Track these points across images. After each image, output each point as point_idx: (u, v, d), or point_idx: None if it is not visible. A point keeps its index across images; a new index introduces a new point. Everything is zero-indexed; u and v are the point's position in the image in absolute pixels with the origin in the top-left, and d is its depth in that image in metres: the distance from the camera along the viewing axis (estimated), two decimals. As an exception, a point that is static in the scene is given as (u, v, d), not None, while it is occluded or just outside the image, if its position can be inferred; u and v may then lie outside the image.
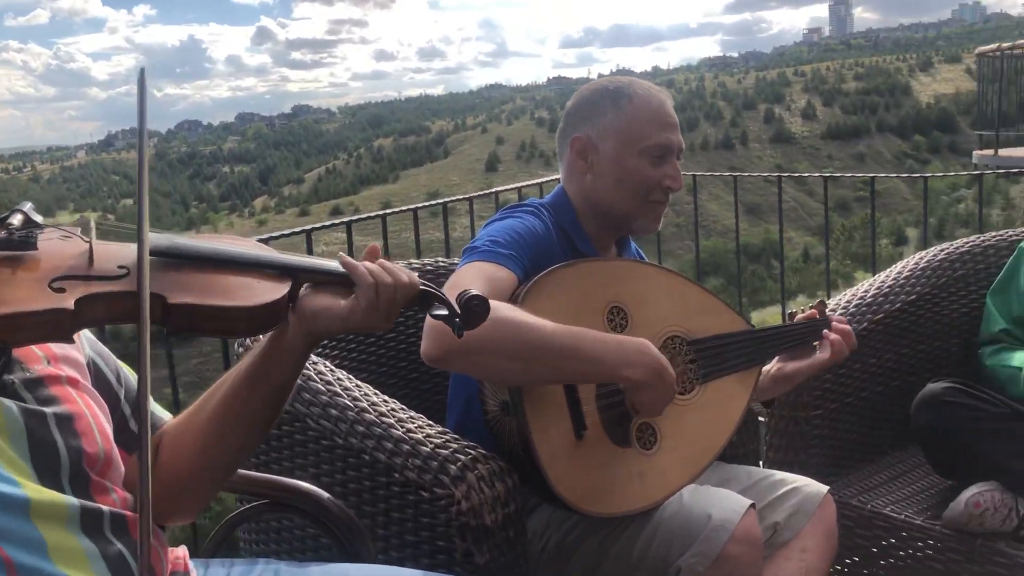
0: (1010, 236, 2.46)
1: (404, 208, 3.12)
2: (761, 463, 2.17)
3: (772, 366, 1.81)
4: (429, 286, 1.10)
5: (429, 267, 2.00)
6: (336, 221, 3.40)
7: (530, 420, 1.39)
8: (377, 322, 1.05)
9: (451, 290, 1.41)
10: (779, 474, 1.80)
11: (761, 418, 2.14)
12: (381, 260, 1.08)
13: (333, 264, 1.07)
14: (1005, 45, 9.94)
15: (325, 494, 1.35)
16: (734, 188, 4.50)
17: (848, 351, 1.75)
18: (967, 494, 1.81)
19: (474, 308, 1.10)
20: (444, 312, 1.09)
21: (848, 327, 1.76)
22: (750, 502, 1.50)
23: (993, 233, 2.49)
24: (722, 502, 1.49)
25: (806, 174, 5.40)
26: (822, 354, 1.73)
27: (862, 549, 2.02)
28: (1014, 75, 9.99)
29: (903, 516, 1.94)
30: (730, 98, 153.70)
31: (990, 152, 9.83)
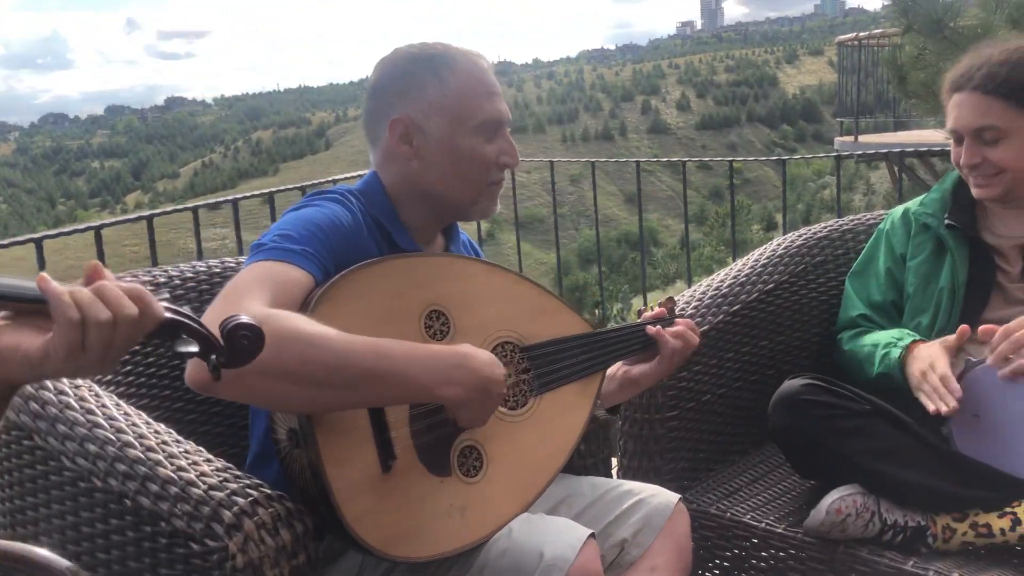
0: (868, 220, 2.38)
1: (222, 199, 2.82)
2: (615, 471, 2.01)
3: (618, 369, 1.63)
4: (181, 315, 0.86)
5: (216, 269, 1.72)
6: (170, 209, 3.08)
7: (323, 451, 1.16)
8: (87, 369, 0.80)
9: (224, 301, 1.17)
10: (628, 484, 1.63)
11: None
12: (101, 284, 0.82)
13: (28, 286, 0.81)
14: (862, 34, 10.26)
15: (63, 563, 1.08)
16: (627, 178, 4.36)
17: (682, 357, 1.61)
18: (828, 500, 1.68)
19: (240, 343, 0.88)
20: (195, 349, 0.85)
21: (683, 329, 1.61)
22: (588, 532, 1.32)
23: (851, 217, 2.40)
24: (557, 536, 1.30)
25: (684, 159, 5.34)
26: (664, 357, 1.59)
27: (721, 561, 1.88)
28: (871, 65, 10.32)
29: (764, 524, 1.80)
30: (609, 90, 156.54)
31: (850, 139, 10.14)
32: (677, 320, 1.65)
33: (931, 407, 1.74)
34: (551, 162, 4.21)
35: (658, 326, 1.60)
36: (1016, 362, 1.67)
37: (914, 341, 1.90)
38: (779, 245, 2.30)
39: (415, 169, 1.46)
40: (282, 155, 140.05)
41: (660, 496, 1.58)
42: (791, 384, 1.79)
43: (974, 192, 1.91)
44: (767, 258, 2.23)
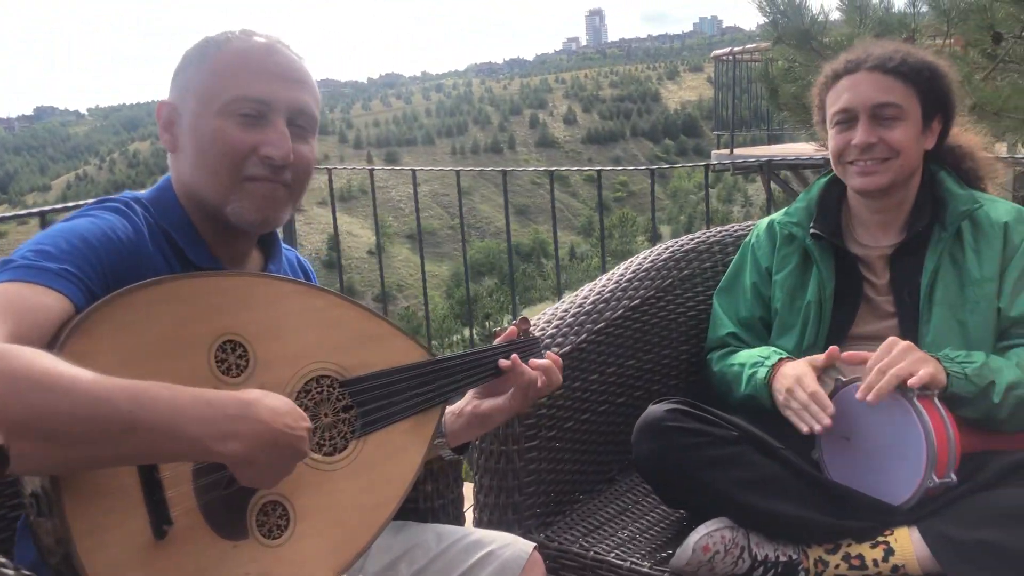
0: (736, 231, 2.28)
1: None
2: (469, 510, 1.82)
3: (466, 403, 1.45)
4: None
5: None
6: None
7: (72, 519, 0.93)
8: None
9: None
10: (478, 533, 1.44)
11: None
12: None
13: None
14: (737, 49, 10.47)
15: None
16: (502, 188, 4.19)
17: (540, 394, 1.44)
18: (694, 537, 1.54)
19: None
20: None
21: (549, 364, 1.44)
22: None
23: (719, 228, 2.30)
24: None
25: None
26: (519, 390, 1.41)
27: (585, 605, 1.72)
28: (747, 80, 10.55)
29: (629, 563, 1.64)
30: (497, 103, 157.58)
31: (726, 152, 10.31)
32: (547, 354, 1.47)
33: (803, 427, 1.63)
34: (457, 171, 4.03)
35: (514, 355, 1.42)
36: (880, 383, 1.56)
37: (781, 359, 1.80)
38: (645, 259, 2.17)
39: (177, 162, 1.25)
40: (160, 167, 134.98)
41: (513, 546, 1.40)
42: (655, 410, 1.65)
43: (858, 182, 1.79)
44: (632, 272, 2.10)
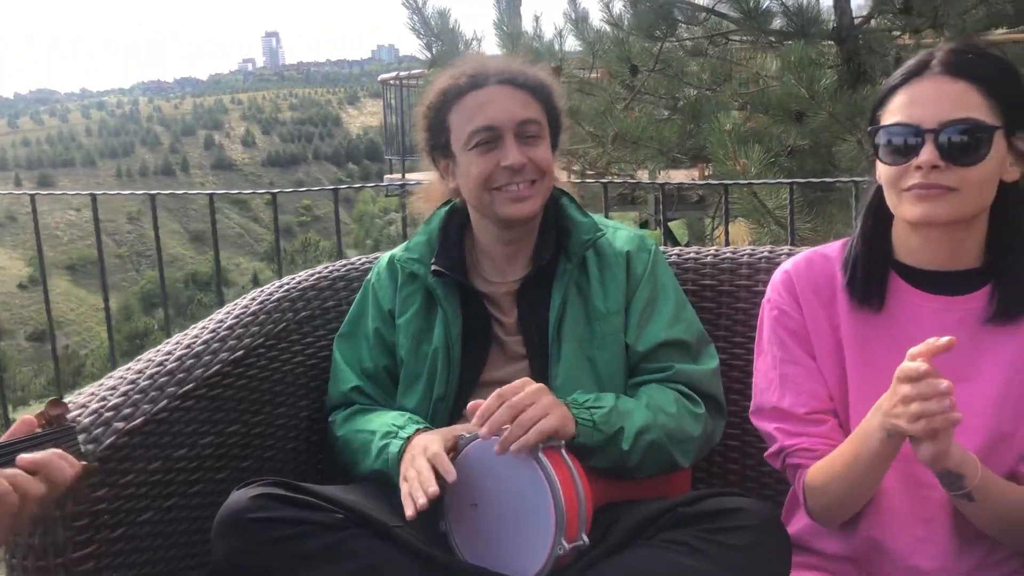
0: (363, 263, 2.01)
1: None
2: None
3: None
4: None
5: None
6: None
7: None
8: None
9: None
10: None
11: None
12: None
13: None
14: (403, 74, 10.45)
15: None
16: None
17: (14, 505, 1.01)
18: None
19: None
20: None
21: (15, 473, 1.02)
22: None
23: (344, 261, 2.02)
24: None
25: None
26: None
27: None
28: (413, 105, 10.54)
29: None
30: (167, 123, 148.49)
31: (398, 176, 10.23)
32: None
33: (408, 511, 1.37)
34: (152, 194, 3.42)
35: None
36: (510, 431, 1.36)
37: (419, 429, 1.55)
38: (253, 300, 1.83)
39: None
40: None
41: None
42: (237, 498, 1.33)
43: (511, 210, 1.59)
44: (236, 318, 1.75)
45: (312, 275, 1.94)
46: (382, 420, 1.62)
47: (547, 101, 1.66)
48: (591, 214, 1.72)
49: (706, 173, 6.34)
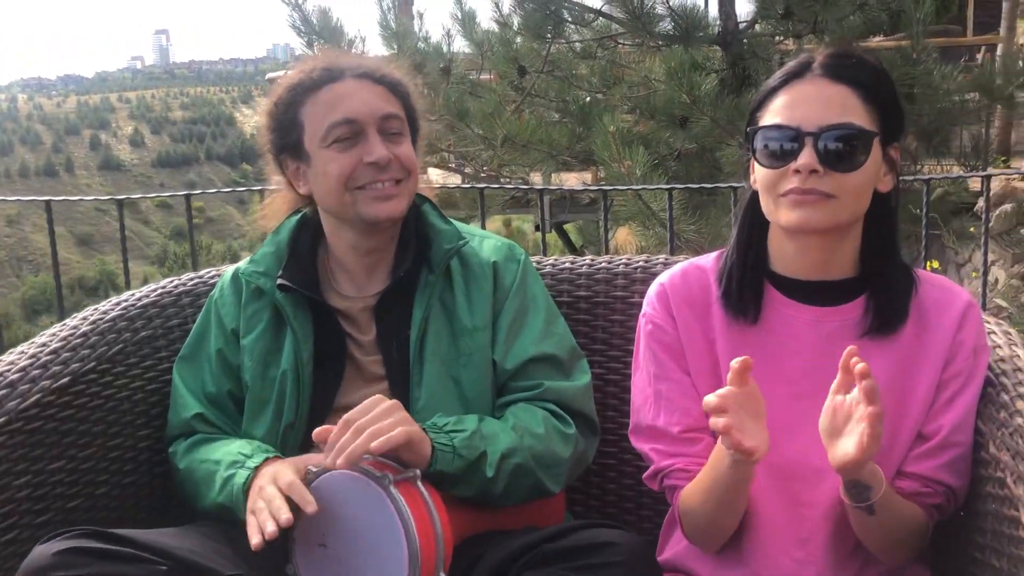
0: (211, 277, 1.84)
1: None
2: None
3: None
4: None
5: None
6: None
7: None
8: None
9: None
10: None
11: None
12: None
13: None
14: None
15: None
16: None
17: None
18: None
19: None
20: None
21: None
22: None
23: (192, 274, 1.85)
24: None
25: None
26: None
27: None
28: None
29: None
30: (49, 122, 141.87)
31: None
32: None
33: (253, 539, 1.24)
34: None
35: None
36: (356, 444, 1.24)
37: (268, 459, 1.41)
38: (84, 320, 1.65)
39: None
40: None
41: None
42: (40, 553, 1.17)
43: (374, 210, 1.46)
44: (62, 341, 1.57)
45: (155, 290, 1.77)
46: (228, 449, 1.47)
47: (406, 100, 1.54)
48: (454, 221, 1.61)
49: (599, 176, 6.33)
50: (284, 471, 1.33)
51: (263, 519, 1.25)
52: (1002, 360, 1.32)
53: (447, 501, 1.35)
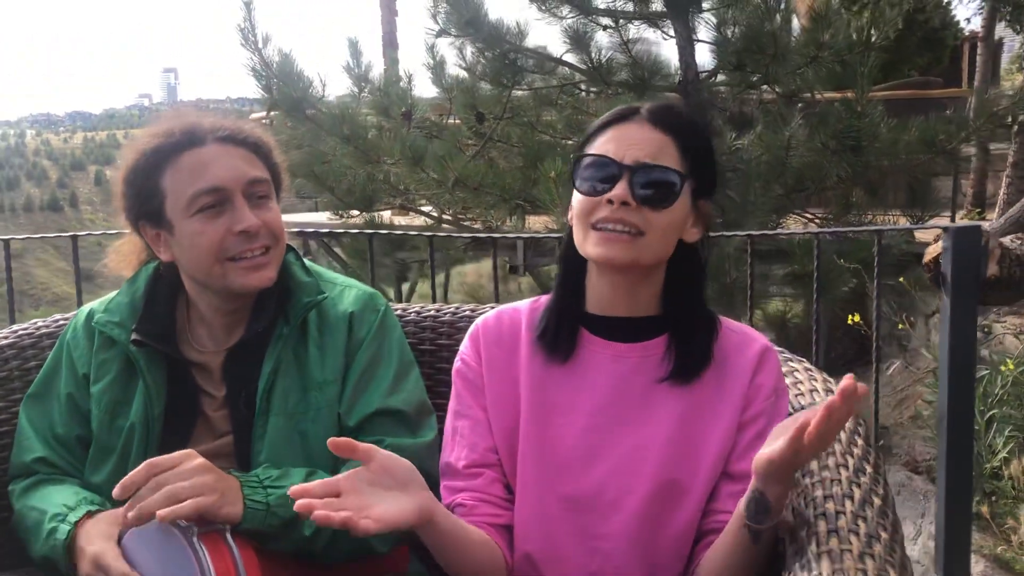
0: (60, 321, 1.81)
1: None
2: None
3: None
4: None
5: None
6: None
7: None
8: None
9: None
10: None
11: None
12: None
13: None
14: (255, 116, 10.25)
15: None
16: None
17: None
18: None
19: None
20: None
21: None
22: None
23: (59, 316, 1.84)
24: None
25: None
26: None
27: None
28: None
29: None
30: (56, 157, 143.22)
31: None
32: None
33: None
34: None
35: None
36: (138, 496, 1.24)
37: (89, 512, 1.39)
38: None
39: None
40: None
41: None
42: None
43: (245, 281, 1.45)
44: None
45: (14, 331, 1.76)
46: (56, 499, 1.44)
47: (268, 159, 1.53)
48: (321, 270, 1.60)
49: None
50: (97, 537, 1.33)
51: None
52: (801, 396, 1.40)
53: (272, 561, 1.33)
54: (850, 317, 3.77)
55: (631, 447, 1.29)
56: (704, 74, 5.65)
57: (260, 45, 4.98)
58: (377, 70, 6.45)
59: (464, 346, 1.43)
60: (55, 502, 1.43)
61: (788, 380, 1.44)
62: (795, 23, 5.06)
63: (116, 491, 1.26)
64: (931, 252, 2.22)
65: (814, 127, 4.31)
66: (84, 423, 1.54)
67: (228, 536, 1.29)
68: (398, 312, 1.74)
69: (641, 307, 1.34)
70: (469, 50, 5.54)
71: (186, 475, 1.26)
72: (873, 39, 4.61)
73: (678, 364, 1.31)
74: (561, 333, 1.35)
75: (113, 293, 1.60)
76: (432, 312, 1.79)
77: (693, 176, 1.30)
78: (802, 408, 1.37)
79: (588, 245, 1.29)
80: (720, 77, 5.61)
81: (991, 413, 3.23)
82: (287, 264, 1.56)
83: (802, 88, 4.80)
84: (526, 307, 1.43)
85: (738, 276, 4.04)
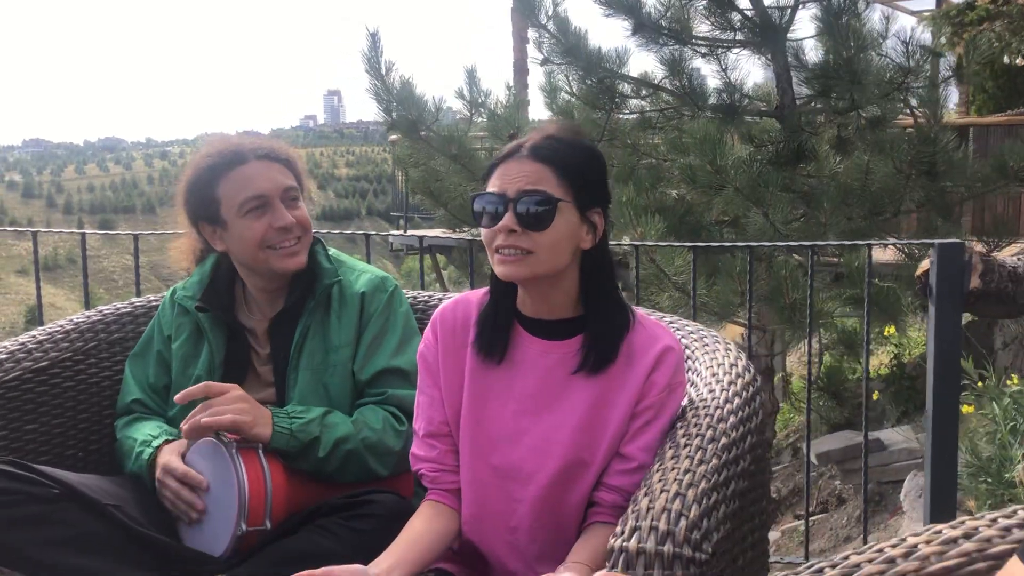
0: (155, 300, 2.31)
1: None
2: None
3: None
4: None
5: None
6: None
7: None
8: None
9: None
10: None
11: None
12: None
13: None
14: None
15: None
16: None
17: None
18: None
19: None
20: None
21: None
22: None
23: (153, 297, 2.33)
24: None
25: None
26: None
27: None
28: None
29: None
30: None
31: (400, 232, 10.70)
32: None
33: (185, 519, 1.76)
34: None
35: None
36: (197, 418, 1.70)
37: (167, 440, 1.86)
38: (70, 320, 2.17)
39: None
40: None
41: None
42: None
43: (283, 264, 1.88)
44: (47, 334, 2.09)
45: (131, 303, 2.27)
46: (144, 430, 1.92)
47: (295, 169, 1.97)
48: (340, 258, 2.02)
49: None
50: (173, 460, 1.78)
51: (182, 510, 1.75)
52: (692, 398, 1.63)
53: (297, 476, 1.76)
54: (886, 329, 3.89)
55: (548, 428, 1.51)
56: (800, 100, 5.82)
57: (383, 71, 5.55)
58: (495, 95, 6.89)
59: (428, 328, 1.67)
60: (144, 432, 1.91)
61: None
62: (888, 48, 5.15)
63: (177, 397, 1.74)
64: (922, 267, 2.42)
65: (887, 152, 4.42)
66: (169, 374, 2.02)
67: (260, 452, 1.72)
68: (410, 297, 2.15)
69: (558, 310, 1.54)
70: (572, 77, 5.92)
71: (229, 400, 1.71)
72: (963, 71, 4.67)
73: (588, 359, 1.51)
74: (494, 340, 1.57)
75: (192, 276, 2.07)
76: (439, 296, 2.19)
77: (574, 193, 1.46)
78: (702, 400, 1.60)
79: (495, 266, 1.51)
80: (815, 104, 5.76)
81: (1011, 424, 3.29)
82: (314, 253, 1.99)
83: (885, 114, 4.89)
84: (477, 299, 1.64)
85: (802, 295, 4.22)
